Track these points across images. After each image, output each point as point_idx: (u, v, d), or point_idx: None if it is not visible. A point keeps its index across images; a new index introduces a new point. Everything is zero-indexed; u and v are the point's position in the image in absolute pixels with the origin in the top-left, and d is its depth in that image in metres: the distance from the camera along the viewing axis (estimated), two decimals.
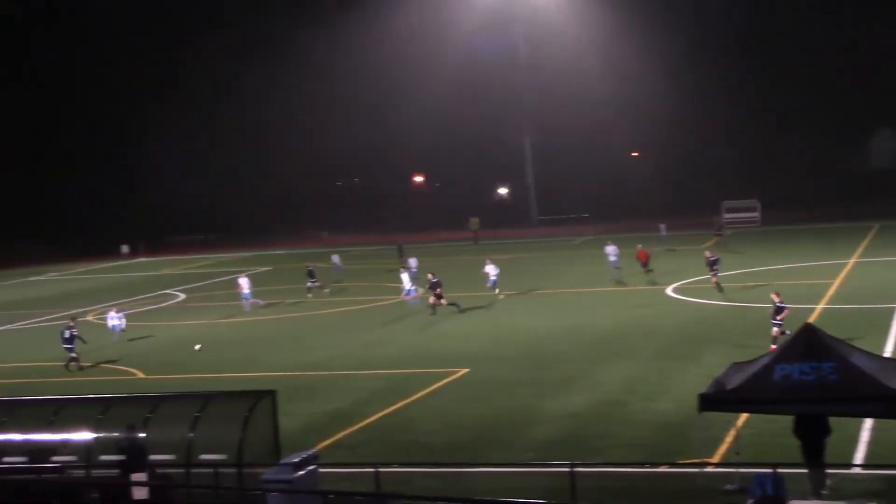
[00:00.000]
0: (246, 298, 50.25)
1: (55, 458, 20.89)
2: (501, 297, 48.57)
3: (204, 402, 20.84)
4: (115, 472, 20.47)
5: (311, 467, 19.61)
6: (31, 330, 49.82)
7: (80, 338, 38.85)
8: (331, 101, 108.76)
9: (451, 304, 44.85)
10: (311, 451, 20.38)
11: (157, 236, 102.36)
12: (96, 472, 20.72)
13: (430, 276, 45.92)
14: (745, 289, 45.41)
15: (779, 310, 32.60)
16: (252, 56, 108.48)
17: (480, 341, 38.24)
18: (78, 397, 24.44)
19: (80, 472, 20.78)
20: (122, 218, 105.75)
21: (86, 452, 20.69)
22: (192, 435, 20.01)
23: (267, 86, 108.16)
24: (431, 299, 44.76)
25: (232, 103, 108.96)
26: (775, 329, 32.32)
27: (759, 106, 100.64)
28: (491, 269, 49.82)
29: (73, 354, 38.11)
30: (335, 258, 63.55)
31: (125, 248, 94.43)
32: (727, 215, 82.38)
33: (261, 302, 51.15)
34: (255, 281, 63.70)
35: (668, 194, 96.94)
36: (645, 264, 51.23)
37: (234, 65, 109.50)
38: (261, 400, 20.73)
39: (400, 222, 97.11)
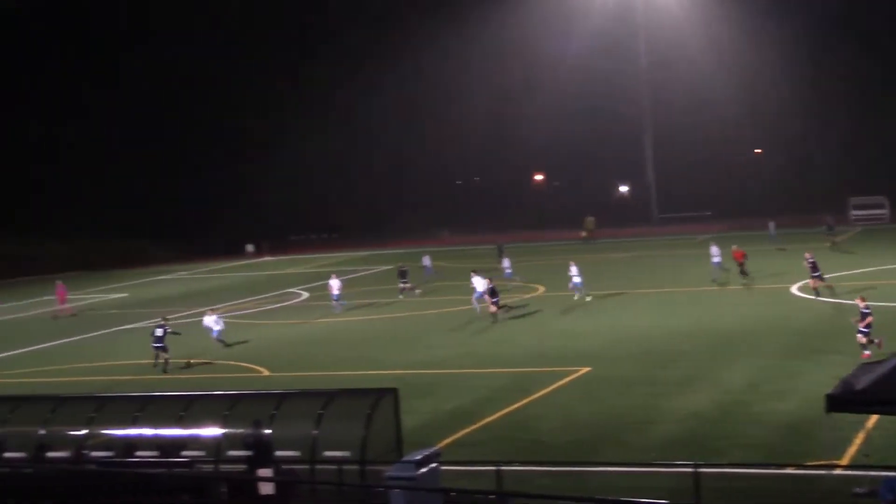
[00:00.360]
0: (335, 300, 50.67)
1: (185, 453, 21.34)
2: (589, 298, 47.66)
3: (328, 399, 21.08)
4: (242, 467, 20.87)
5: (433, 465, 19.70)
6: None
7: (175, 332, 39.62)
8: (451, 101, 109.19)
9: (503, 308, 44.19)
10: (432, 449, 20.46)
11: (280, 236, 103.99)
12: (224, 467, 21.11)
13: (487, 282, 44.98)
14: (867, 288, 44.29)
15: (864, 315, 31.44)
16: (374, 57, 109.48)
17: (600, 340, 38.02)
18: (206, 393, 24.94)
19: (208, 467, 21.19)
20: (247, 218, 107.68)
21: (214, 447, 21.07)
22: (316, 432, 20.25)
23: (388, 86, 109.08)
24: (492, 308, 43.89)
25: (354, 103, 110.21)
26: (860, 336, 31.26)
27: (885, 102, 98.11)
28: (574, 271, 48.52)
29: (165, 355, 38.39)
30: (426, 259, 63.62)
31: (250, 248, 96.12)
32: (855, 212, 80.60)
33: (344, 303, 51.32)
34: (377, 279, 64.49)
35: (791, 191, 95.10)
36: (741, 265, 50.11)
37: (356, 65, 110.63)
38: (383, 397, 20.89)
39: (518, 221, 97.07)
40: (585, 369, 32.74)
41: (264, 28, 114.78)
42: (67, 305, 59.03)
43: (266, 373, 36.72)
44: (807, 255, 44.85)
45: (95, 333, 48.83)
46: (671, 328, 39.49)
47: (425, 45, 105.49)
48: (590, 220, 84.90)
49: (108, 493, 20.55)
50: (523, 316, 45.29)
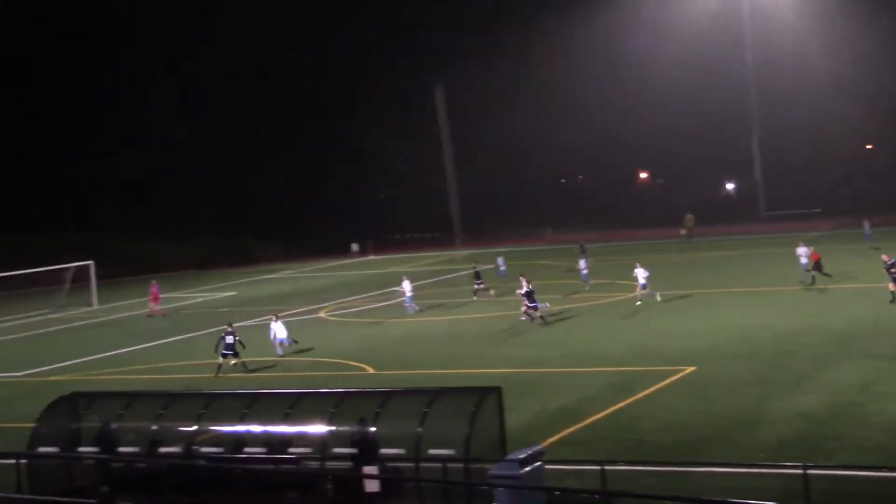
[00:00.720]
0: (407, 301, 50.83)
1: (291, 450, 21.66)
2: (658, 298, 46.79)
3: (432, 397, 21.22)
4: (347, 464, 21.11)
5: (537, 464, 19.73)
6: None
7: (241, 343, 38.67)
8: (555, 100, 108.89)
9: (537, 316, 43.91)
10: (536, 448, 20.50)
11: (384, 235, 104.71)
12: (330, 465, 21.37)
13: (524, 282, 44.65)
14: None
15: None
16: (477, 56, 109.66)
17: (706, 339, 37.60)
18: (312, 391, 25.30)
19: (314, 464, 21.48)
20: (352, 218, 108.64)
21: (320, 445, 21.36)
22: (420, 430, 20.40)
23: (492, 85, 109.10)
24: (523, 307, 43.96)
25: (457, 103, 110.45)
26: None
27: None
28: (640, 273, 47.40)
29: (233, 361, 38.06)
30: (500, 261, 63.26)
31: (355, 247, 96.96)
32: None
33: (416, 307, 51.33)
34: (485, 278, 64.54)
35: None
36: (816, 266, 48.67)
37: (462, 65, 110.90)
38: (487, 396, 20.96)
39: (622, 219, 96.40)
40: (690, 369, 32.43)
41: (371, 27, 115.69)
42: (160, 306, 59.68)
43: (371, 371, 37.05)
44: (884, 257, 43.32)
45: (204, 332, 49.74)
46: (778, 327, 38.89)
47: (529, 44, 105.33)
48: (689, 218, 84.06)
49: (218, 489, 20.98)
50: (632, 314, 44.99)
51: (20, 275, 70.91)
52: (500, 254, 66.46)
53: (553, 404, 29.54)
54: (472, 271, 57.14)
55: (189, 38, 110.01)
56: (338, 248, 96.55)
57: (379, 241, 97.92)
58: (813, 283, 48.23)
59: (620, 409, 28.41)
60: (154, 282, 61.23)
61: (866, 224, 71.25)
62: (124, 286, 79.95)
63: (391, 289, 61.40)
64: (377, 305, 55.86)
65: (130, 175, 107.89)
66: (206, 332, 49.88)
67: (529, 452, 19.84)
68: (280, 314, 43.12)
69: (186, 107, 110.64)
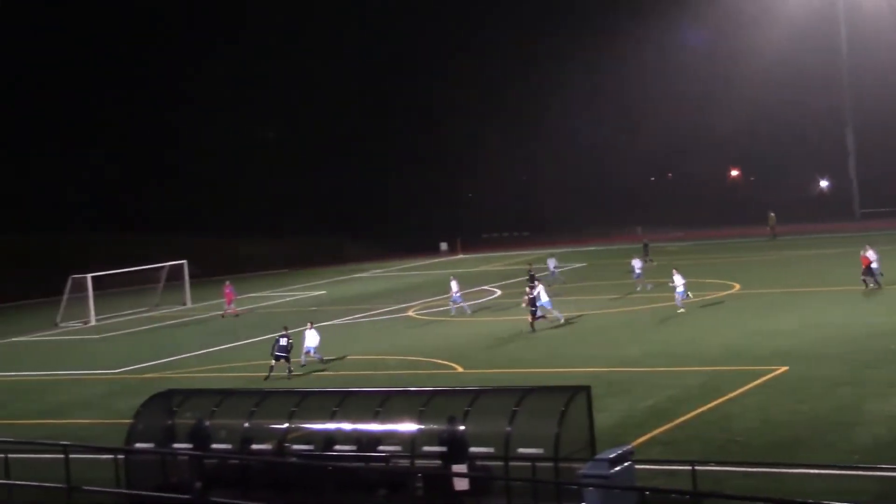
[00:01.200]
0: (455, 302, 50.54)
1: (381, 448, 21.79)
2: (681, 310, 45.30)
3: (521, 396, 21.19)
4: (436, 463, 21.17)
5: (627, 463, 19.62)
6: (361, 324, 52.14)
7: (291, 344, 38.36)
8: (645, 98, 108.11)
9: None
10: (626, 447, 20.37)
11: (473, 233, 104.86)
12: (419, 463, 21.46)
13: (528, 288, 44.52)
14: None
15: None
16: (570, 52, 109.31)
17: (799, 338, 37.02)
18: (402, 389, 25.38)
19: (404, 462, 21.58)
20: (441, 216, 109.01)
21: (410, 443, 21.45)
22: (509, 429, 20.38)
23: (583, 81, 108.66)
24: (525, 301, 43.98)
25: (549, 101, 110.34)
26: None
27: None
28: (678, 280, 46.17)
29: (288, 364, 37.87)
30: (551, 262, 62.60)
31: (444, 246, 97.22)
32: None
33: (465, 307, 51.22)
34: (572, 276, 64.38)
35: None
36: (867, 269, 47.31)
37: (554, 65, 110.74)
38: (576, 395, 20.87)
39: (713, 217, 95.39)
40: (783, 368, 31.96)
41: (461, 30, 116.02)
42: (233, 307, 60.12)
43: (460, 369, 37.12)
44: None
45: (294, 330, 50.25)
46: (875, 326, 38.13)
47: (620, 43, 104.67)
48: (772, 217, 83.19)
49: (308, 487, 21.18)
50: (722, 313, 44.50)
51: (117, 274, 72.42)
52: (555, 255, 65.52)
53: (643, 404, 29.33)
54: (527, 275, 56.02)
55: (278, 37, 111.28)
56: (427, 247, 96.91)
57: (468, 240, 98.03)
58: (867, 287, 47.02)
59: (711, 408, 28.11)
60: (228, 282, 61.84)
61: None
62: (217, 285, 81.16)
63: (480, 287, 61.57)
64: (465, 304, 55.86)
65: (223, 176, 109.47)
66: (295, 330, 50.38)
67: (619, 452, 19.73)
68: (315, 323, 41.89)
69: (276, 107, 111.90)
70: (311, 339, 39.64)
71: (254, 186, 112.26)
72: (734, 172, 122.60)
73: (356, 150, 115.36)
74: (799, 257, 65.63)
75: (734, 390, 29.68)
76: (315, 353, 39.71)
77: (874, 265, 47.81)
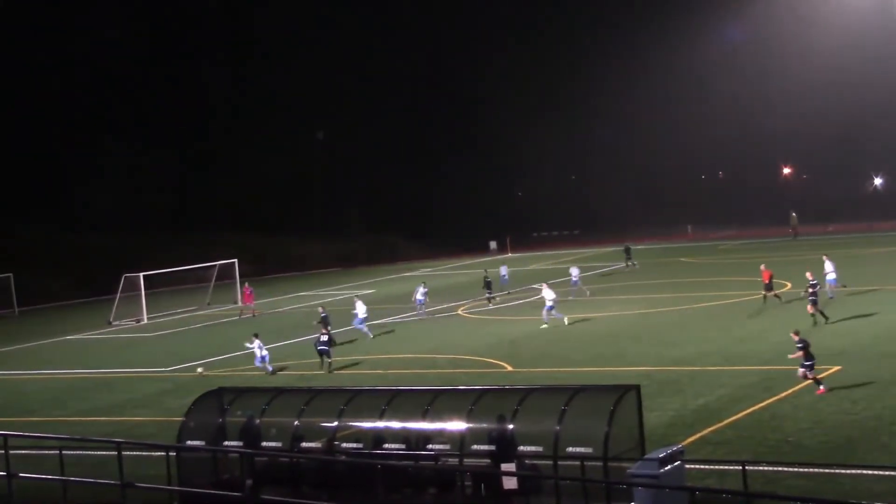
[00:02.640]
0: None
1: (430, 447, 21.81)
2: (567, 321, 45.55)
3: (570, 395, 21.12)
4: (485, 461, 21.16)
5: (677, 463, 19.51)
6: (410, 323, 52.21)
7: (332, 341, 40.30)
8: (697, 95, 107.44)
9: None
10: (676, 447, 20.25)
11: (523, 232, 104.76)
12: (468, 461, 21.45)
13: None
14: None
15: None
16: (620, 52, 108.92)
17: (853, 338, 36.63)
18: (451, 388, 25.39)
19: (453, 461, 21.58)
20: (491, 215, 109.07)
21: (458, 441, 21.44)
22: (558, 428, 20.32)
23: (634, 81, 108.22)
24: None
25: (598, 100, 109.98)
26: None
27: None
28: (547, 294, 46.28)
29: (329, 359, 39.44)
30: (503, 269, 63.02)
31: (493, 245, 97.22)
32: None
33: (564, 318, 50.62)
34: (618, 275, 64.15)
35: None
36: (767, 285, 45.73)
37: (602, 60, 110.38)
38: (626, 394, 20.78)
39: (764, 216, 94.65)
40: (835, 368, 31.62)
41: (510, 28, 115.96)
42: (252, 307, 61.16)
43: (509, 368, 37.09)
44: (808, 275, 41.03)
45: (346, 328, 50.51)
46: None
47: (671, 41, 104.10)
48: (793, 217, 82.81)
49: (358, 485, 21.24)
50: (777, 312, 44.10)
51: (169, 273, 73.18)
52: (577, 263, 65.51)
53: (694, 403, 29.15)
54: (483, 280, 57.61)
55: (332, 36, 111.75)
56: (477, 246, 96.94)
57: (518, 238, 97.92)
58: (765, 301, 45.81)
59: (763, 408, 27.87)
60: (247, 284, 63.69)
61: None
62: (269, 283, 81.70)
63: (529, 286, 61.43)
64: (515, 303, 55.89)
65: (277, 175, 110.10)
66: (345, 329, 50.62)
67: (669, 451, 19.62)
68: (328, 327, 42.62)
69: (329, 107, 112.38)
70: (259, 350, 40.88)
71: (307, 186, 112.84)
72: (786, 170, 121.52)
73: (407, 149, 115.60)
74: (852, 256, 64.86)
75: (786, 390, 29.41)
76: (266, 362, 40.67)
77: (831, 276, 46.28)
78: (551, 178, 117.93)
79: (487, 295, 56.04)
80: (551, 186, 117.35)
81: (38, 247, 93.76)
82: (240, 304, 63.50)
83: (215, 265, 71.68)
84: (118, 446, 20.49)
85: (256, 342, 40.49)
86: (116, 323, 62.92)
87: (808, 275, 41.30)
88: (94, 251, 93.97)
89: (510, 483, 20.12)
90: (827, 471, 21.51)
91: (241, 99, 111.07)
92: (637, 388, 21.13)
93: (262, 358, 40.55)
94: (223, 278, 71.61)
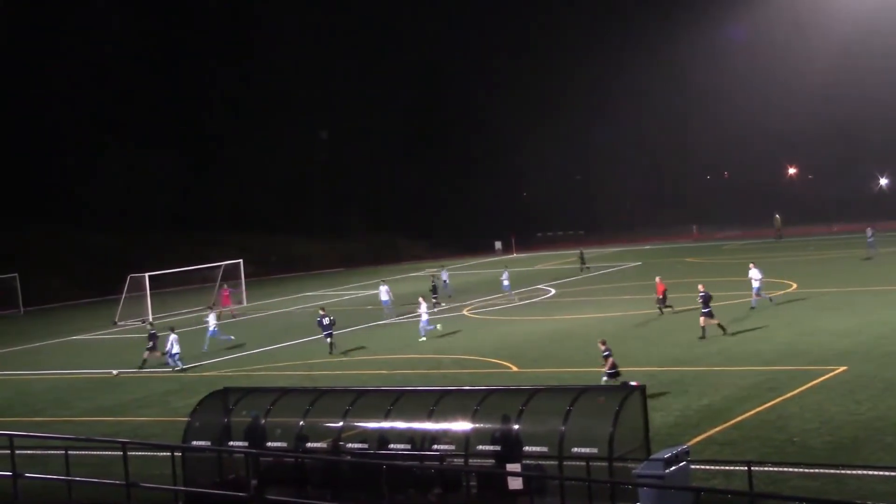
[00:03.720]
0: (386, 305, 50.08)
1: (436, 447, 21.81)
2: (439, 326, 46.24)
3: (576, 395, 21.12)
4: (490, 461, 21.16)
5: (682, 463, 19.50)
6: (415, 323, 52.17)
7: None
8: (702, 96, 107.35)
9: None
10: (682, 447, 20.25)
11: (528, 233, 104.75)
12: (473, 462, 21.45)
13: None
14: None
15: None
16: (624, 51, 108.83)
17: (857, 338, 36.58)
18: (456, 388, 25.38)
19: (458, 461, 21.58)
20: (496, 215, 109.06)
21: (464, 442, 21.45)
22: (563, 428, 20.33)
23: (638, 80, 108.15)
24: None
25: (603, 100, 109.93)
26: None
27: None
28: (423, 308, 46.90)
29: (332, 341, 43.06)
30: (444, 274, 63.76)
31: (498, 245, 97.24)
32: None
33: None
34: (623, 275, 64.13)
35: None
36: (661, 299, 45.43)
37: (606, 60, 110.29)
38: (631, 394, 20.80)
39: (770, 215, 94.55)
40: (841, 368, 31.60)
41: (515, 28, 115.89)
42: (230, 308, 62.37)
43: (514, 369, 37.09)
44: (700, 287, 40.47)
45: (353, 329, 50.55)
46: None
47: (675, 41, 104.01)
48: (777, 219, 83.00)
49: (364, 485, 21.25)
50: (780, 312, 44.08)
51: (174, 273, 73.40)
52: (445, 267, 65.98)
53: (699, 403, 29.13)
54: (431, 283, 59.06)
55: (332, 37, 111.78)
56: (482, 246, 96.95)
57: (523, 239, 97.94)
58: (661, 314, 45.47)
59: (768, 408, 27.85)
60: (225, 286, 65.21)
61: (869, 231, 64.82)
62: (274, 284, 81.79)
63: (534, 286, 61.49)
64: (520, 303, 55.90)
65: (280, 176, 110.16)
66: (353, 329, 50.65)
67: (674, 452, 19.63)
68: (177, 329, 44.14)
69: (331, 107, 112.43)
70: (177, 345, 42.59)
71: (310, 186, 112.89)
72: (791, 170, 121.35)
73: (411, 149, 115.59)
74: (857, 257, 64.79)
75: (791, 390, 29.39)
76: (177, 359, 42.49)
77: (756, 284, 45.24)
78: (556, 179, 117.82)
79: (433, 299, 56.71)
80: (556, 187, 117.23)
81: (43, 247, 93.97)
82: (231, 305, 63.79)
83: (220, 265, 71.77)
84: (123, 446, 20.51)
85: (172, 336, 42.59)
86: (122, 323, 63.00)
87: (699, 287, 40.59)
88: (99, 251, 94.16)
89: (515, 483, 20.12)
90: (832, 471, 21.49)
91: (244, 99, 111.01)
92: (642, 388, 21.13)
93: (172, 355, 42.33)
94: (228, 278, 71.69)
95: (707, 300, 39.46)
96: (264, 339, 50.09)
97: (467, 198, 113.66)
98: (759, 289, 45.39)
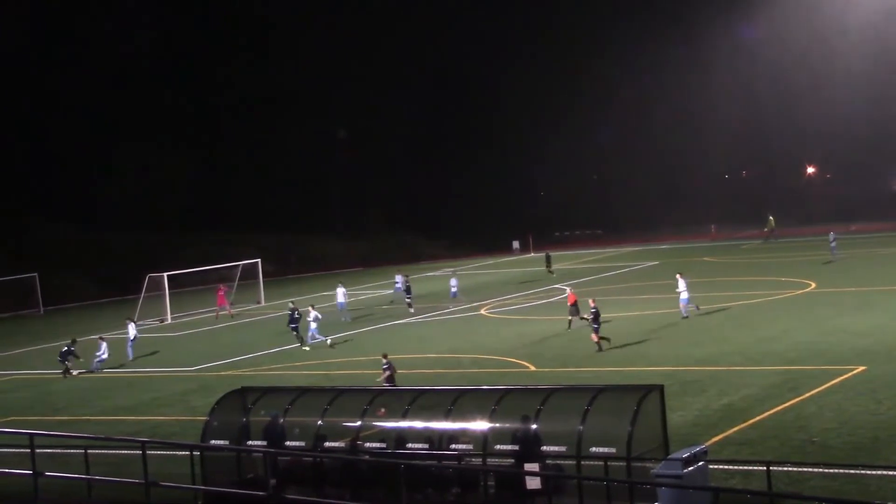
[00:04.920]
0: (684, 302, 47.56)
1: (454, 446, 21.81)
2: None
3: (594, 395, 21.10)
4: (509, 461, 21.16)
5: (700, 463, 19.46)
6: (433, 322, 52.24)
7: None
8: (719, 94, 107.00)
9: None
10: (700, 447, 20.21)
11: (545, 232, 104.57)
12: (491, 461, 21.45)
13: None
14: None
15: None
16: (641, 51, 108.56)
17: (877, 338, 36.43)
18: (474, 388, 25.39)
19: (476, 461, 21.58)
20: (514, 215, 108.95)
21: (482, 441, 21.45)
22: (581, 427, 20.31)
23: (655, 79, 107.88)
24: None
25: (620, 99, 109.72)
26: None
27: None
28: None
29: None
30: (398, 277, 62.70)
31: (516, 245, 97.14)
32: None
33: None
34: (641, 275, 64.05)
35: None
36: (572, 308, 44.02)
37: (623, 59, 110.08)
38: (649, 394, 20.75)
39: (788, 215, 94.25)
40: (860, 368, 31.48)
41: (531, 26, 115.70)
42: (226, 310, 62.77)
43: (532, 368, 37.07)
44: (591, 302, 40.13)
45: (370, 328, 50.62)
46: None
47: (694, 39, 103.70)
48: (770, 220, 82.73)
49: (382, 484, 21.28)
50: (801, 312, 43.93)
51: (193, 272, 73.62)
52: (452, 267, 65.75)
53: (717, 403, 29.06)
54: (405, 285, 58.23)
55: (351, 37, 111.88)
56: (499, 246, 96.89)
57: (541, 239, 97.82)
58: (569, 327, 44.14)
59: (787, 408, 27.77)
60: (220, 286, 65.46)
61: (831, 234, 64.11)
62: (292, 283, 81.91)
63: (552, 286, 61.43)
64: (538, 303, 55.87)
65: (300, 174, 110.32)
66: (371, 328, 50.73)
67: (693, 452, 19.58)
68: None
69: (350, 107, 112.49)
70: (106, 351, 45.28)
71: (330, 185, 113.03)
72: (810, 170, 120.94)
73: (429, 149, 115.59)
74: (877, 256, 64.55)
75: (811, 390, 29.30)
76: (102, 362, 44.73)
77: (684, 295, 44.27)
78: (574, 178, 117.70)
79: (408, 300, 56.56)
80: (573, 186, 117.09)
81: (62, 247, 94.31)
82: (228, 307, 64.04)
83: (238, 265, 71.92)
84: (143, 445, 20.59)
85: (128, 335, 46.25)
86: (140, 323, 63.17)
87: (590, 301, 40.34)
88: (118, 251, 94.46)
89: (533, 483, 20.11)
90: (852, 471, 21.42)
91: (262, 97, 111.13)
92: (660, 388, 21.10)
93: (101, 359, 45.31)
94: (247, 278, 71.85)
95: (597, 316, 39.15)
96: (281, 338, 50.13)
97: (485, 197, 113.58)
98: (686, 300, 44.45)
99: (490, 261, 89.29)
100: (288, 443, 23.06)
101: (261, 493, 20.39)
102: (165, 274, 64.92)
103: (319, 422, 23.02)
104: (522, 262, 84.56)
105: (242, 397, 24.54)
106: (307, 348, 45.50)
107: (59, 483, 22.53)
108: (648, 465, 19.85)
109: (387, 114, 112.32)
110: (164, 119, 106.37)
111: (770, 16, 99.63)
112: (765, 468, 19.28)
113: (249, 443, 23.49)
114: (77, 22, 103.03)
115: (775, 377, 31.61)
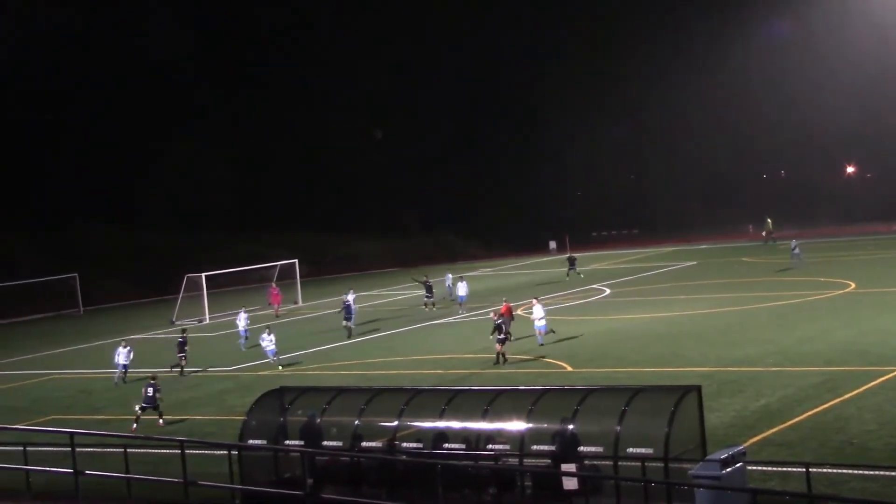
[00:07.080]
0: (541, 329, 46.78)
1: (491, 447, 21.82)
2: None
3: (631, 395, 21.04)
4: (545, 462, 21.13)
5: (739, 464, 19.36)
6: (469, 322, 52.23)
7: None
8: (757, 94, 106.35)
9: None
10: (738, 448, 20.10)
11: (582, 232, 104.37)
12: (528, 462, 21.44)
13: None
14: None
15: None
16: (678, 50, 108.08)
17: None
18: (511, 388, 25.38)
19: (513, 461, 21.58)
20: (551, 214, 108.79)
21: (519, 441, 21.44)
22: (619, 428, 20.26)
23: (692, 78, 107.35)
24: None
25: (658, 98, 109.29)
26: None
27: None
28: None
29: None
30: (448, 277, 63.24)
31: (552, 245, 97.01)
32: None
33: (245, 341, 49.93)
34: (679, 275, 63.77)
35: None
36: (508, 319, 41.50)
37: (660, 58, 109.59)
38: (687, 395, 20.66)
39: (827, 215, 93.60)
40: None
41: (568, 27, 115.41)
42: (278, 307, 63.16)
43: (569, 368, 37.00)
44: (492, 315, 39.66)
45: (405, 329, 50.70)
46: None
47: (731, 36, 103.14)
48: (768, 222, 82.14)
49: (419, 484, 21.30)
50: (842, 312, 43.60)
51: (230, 273, 74.04)
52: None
53: (756, 404, 28.89)
54: (424, 284, 58.51)
55: (389, 35, 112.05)
56: (536, 246, 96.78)
57: (577, 239, 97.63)
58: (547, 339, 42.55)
59: (826, 409, 27.56)
60: (274, 285, 66.15)
61: (793, 242, 63.64)
62: (328, 283, 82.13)
63: (590, 286, 61.26)
64: (575, 303, 55.75)
65: (336, 175, 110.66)
66: (407, 329, 50.82)
67: (731, 453, 19.48)
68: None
69: (385, 106, 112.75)
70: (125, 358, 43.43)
71: (366, 185, 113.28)
72: (850, 169, 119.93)
73: (465, 149, 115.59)
74: None
75: (850, 391, 29.07)
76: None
77: (541, 323, 42.22)
78: (610, 178, 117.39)
79: (426, 299, 57.19)
80: (610, 186, 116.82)
81: (102, 248, 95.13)
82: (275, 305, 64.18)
83: (276, 265, 72.25)
84: (181, 445, 20.74)
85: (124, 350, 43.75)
86: (179, 323, 63.56)
87: (491, 315, 40.59)
88: (156, 251, 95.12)
89: (570, 483, 20.08)
90: (892, 473, 21.23)
91: (299, 98, 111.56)
92: (698, 388, 21.00)
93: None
94: (284, 278, 72.14)
95: (499, 327, 39.09)
96: (318, 338, 50.33)
97: (522, 197, 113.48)
98: (543, 327, 42.25)
99: (527, 261, 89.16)
100: (325, 442, 23.12)
101: (298, 493, 20.49)
102: (203, 274, 65.34)
103: (356, 422, 23.08)
104: (559, 263, 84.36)
105: (280, 397, 24.64)
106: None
107: (98, 481, 22.74)
108: (686, 465, 19.77)
109: (423, 114, 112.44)
110: (203, 121, 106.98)
111: (808, 14, 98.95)
112: (804, 469, 19.16)
113: (287, 442, 23.57)
114: (118, 21, 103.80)
115: (814, 378, 31.38)
